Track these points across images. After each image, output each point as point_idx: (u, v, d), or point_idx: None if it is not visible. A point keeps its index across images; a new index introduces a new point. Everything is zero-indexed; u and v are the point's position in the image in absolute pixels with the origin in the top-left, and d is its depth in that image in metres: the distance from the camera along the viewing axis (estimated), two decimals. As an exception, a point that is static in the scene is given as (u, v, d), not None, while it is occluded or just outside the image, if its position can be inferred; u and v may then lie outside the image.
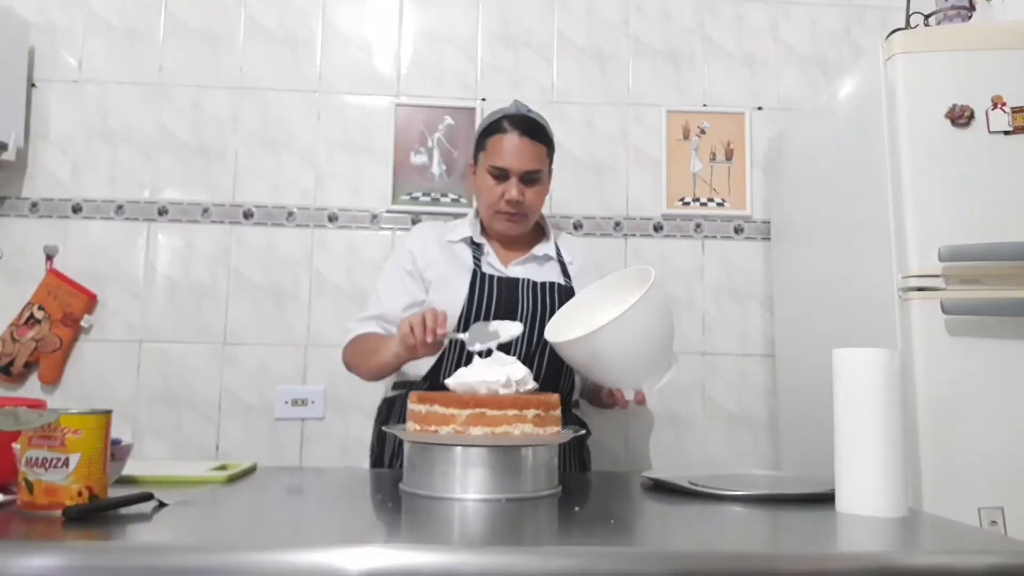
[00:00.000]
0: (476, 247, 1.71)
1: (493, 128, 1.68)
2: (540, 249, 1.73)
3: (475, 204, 1.85)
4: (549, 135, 1.71)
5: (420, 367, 1.63)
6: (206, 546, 0.84)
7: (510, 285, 1.64)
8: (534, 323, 1.60)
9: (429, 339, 1.37)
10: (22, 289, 2.13)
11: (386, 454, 1.68)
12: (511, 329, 1.37)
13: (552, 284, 1.66)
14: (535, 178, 1.66)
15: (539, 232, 1.78)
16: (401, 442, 1.61)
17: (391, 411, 1.71)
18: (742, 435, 2.23)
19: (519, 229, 1.70)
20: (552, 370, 1.61)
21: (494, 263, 1.69)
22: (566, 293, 1.65)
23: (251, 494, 1.15)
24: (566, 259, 1.75)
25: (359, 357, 1.64)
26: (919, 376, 1.51)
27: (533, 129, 1.67)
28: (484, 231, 1.74)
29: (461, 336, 1.39)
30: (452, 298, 1.61)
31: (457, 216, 2.20)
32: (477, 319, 1.59)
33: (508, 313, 1.60)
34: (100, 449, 0.96)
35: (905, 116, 1.60)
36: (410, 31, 2.30)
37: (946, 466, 1.48)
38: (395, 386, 1.75)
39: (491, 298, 1.61)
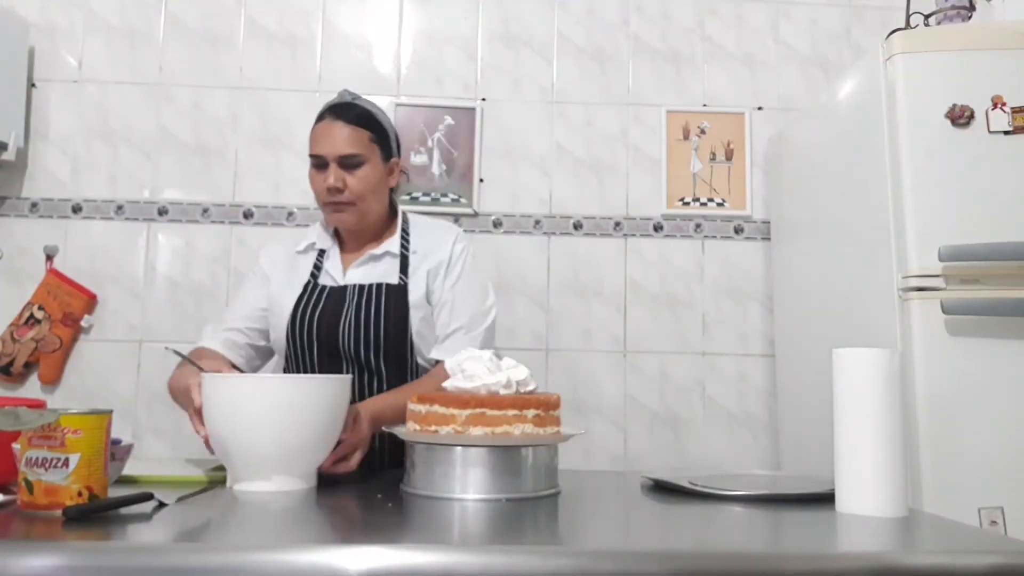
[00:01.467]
0: (320, 254, 1.64)
1: (316, 119, 1.62)
2: (380, 247, 1.63)
3: None
4: (375, 120, 1.61)
5: None
6: (206, 546, 0.84)
7: (337, 295, 1.58)
8: (358, 329, 1.54)
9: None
10: (22, 289, 2.13)
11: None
12: None
13: (379, 285, 1.58)
14: (354, 163, 1.56)
15: (392, 226, 1.68)
16: (375, 442, 1.58)
17: None
18: (742, 435, 2.23)
19: (350, 220, 1.60)
20: (396, 371, 1.56)
21: (332, 270, 1.62)
22: (395, 292, 1.57)
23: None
24: (411, 250, 1.64)
25: (173, 390, 1.50)
26: (919, 376, 1.51)
27: (349, 113, 1.58)
28: (337, 233, 1.67)
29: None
30: (279, 318, 1.58)
31: (457, 216, 2.21)
32: (301, 334, 1.55)
33: (330, 326, 1.54)
34: (100, 449, 0.96)
35: (905, 116, 1.60)
36: (410, 31, 2.30)
37: (946, 466, 1.48)
38: None
39: (312, 313, 1.56)
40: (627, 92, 2.33)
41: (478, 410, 1.13)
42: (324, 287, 1.60)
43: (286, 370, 1.59)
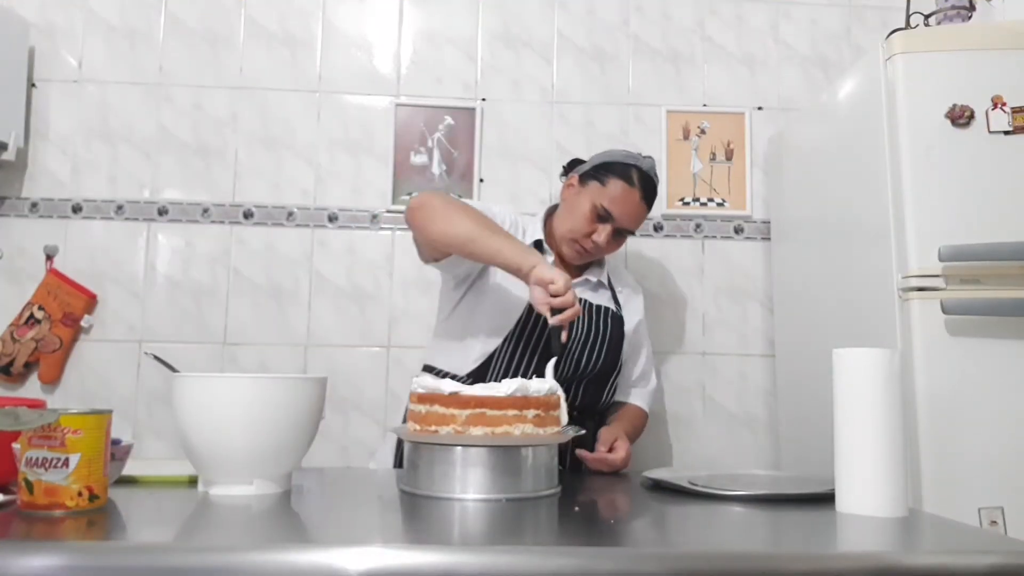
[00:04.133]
0: (540, 252, 1.65)
1: (623, 172, 1.65)
2: (594, 275, 1.72)
3: (545, 208, 1.80)
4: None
5: (466, 363, 1.58)
6: (206, 546, 0.84)
7: None
8: (585, 345, 1.60)
9: (557, 303, 1.34)
10: (22, 289, 2.13)
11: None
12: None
13: (607, 309, 1.67)
14: (624, 236, 1.68)
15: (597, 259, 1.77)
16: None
17: None
18: (742, 435, 2.23)
19: (579, 261, 1.70)
20: (597, 386, 1.64)
21: None
22: (616, 321, 1.68)
23: (251, 494, 1.14)
24: (616, 288, 1.76)
25: (475, 220, 1.46)
26: (919, 376, 1.51)
27: (652, 196, 1.68)
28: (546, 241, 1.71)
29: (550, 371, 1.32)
30: (516, 294, 1.57)
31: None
32: (536, 324, 1.56)
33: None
34: (100, 449, 0.96)
35: (905, 116, 1.60)
36: (410, 31, 2.31)
37: (946, 466, 1.48)
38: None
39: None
40: (627, 92, 2.33)
41: (478, 410, 1.13)
42: None
43: (501, 347, 1.56)
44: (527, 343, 1.57)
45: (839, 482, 1.08)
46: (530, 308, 1.55)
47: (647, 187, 1.67)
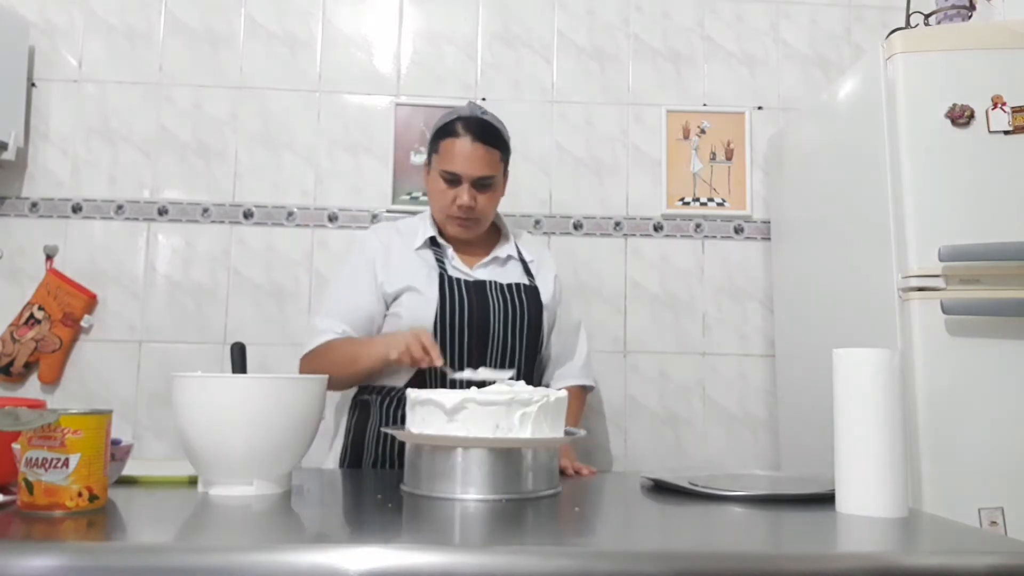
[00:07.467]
0: (438, 248, 1.68)
1: (446, 130, 1.65)
2: (502, 251, 1.72)
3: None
4: (504, 139, 1.68)
5: (399, 378, 1.60)
6: (206, 546, 0.84)
7: (478, 288, 1.62)
8: (506, 320, 1.61)
9: (424, 364, 1.44)
10: (22, 289, 2.13)
11: (367, 457, 1.62)
12: (499, 375, 1.35)
13: (519, 285, 1.67)
14: (487, 184, 1.64)
15: (496, 233, 1.77)
16: (383, 445, 1.59)
17: (368, 412, 1.65)
18: (742, 435, 2.23)
19: (471, 234, 1.69)
20: (530, 359, 1.65)
21: (458, 266, 1.67)
22: (531, 292, 1.67)
23: (251, 494, 1.14)
24: (527, 258, 1.75)
25: (337, 365, 1.56)
26: (919, 376, 1.51)
27: (487, 133, 1.64)
28: (442, 233, 1.71)
29: (456, 375, 1.42)
30: (425, 304, 1.59)
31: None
32: (452, 323, 1.58)
33: (480, 316, 1.59)
34: (100, 449, 0.96)
35: (905, 116, 1.60)
36: (410, 31, 2.30)
37: (946, 466, 1.48)
38: (365, 389, 1.69)
39: (462, 302, 1.60)
40: (627, 92, 2.33)
41: None
42: (459, 279, 1.63)
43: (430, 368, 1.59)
44: (449, 339, 1.60)
45: (839, 482, 1.08)
46: (440, 308, 1.59)
47: (476, 127, 1.63)
